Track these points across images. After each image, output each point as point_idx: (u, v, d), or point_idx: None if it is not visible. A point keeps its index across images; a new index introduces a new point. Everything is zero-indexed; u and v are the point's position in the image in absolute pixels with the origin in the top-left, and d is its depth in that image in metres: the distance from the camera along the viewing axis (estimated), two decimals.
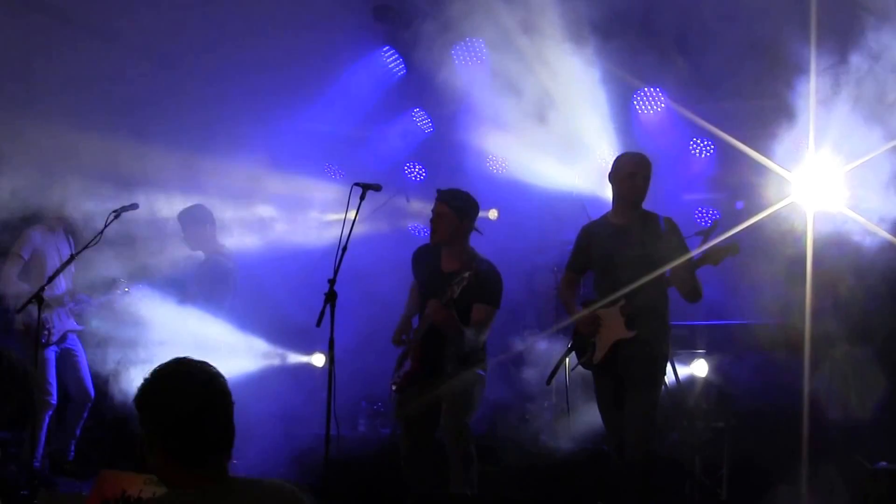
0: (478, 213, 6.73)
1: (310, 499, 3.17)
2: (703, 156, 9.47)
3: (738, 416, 8.06)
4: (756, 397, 8.16)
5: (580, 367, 6.56)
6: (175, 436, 3.01)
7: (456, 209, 6.55)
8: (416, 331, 6.66)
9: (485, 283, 6.43)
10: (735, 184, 9.23)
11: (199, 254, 8.08)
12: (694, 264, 6.06)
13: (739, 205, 9.13)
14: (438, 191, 6.66)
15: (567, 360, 6.65)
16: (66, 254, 8.28)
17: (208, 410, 3.02)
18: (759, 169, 9.04)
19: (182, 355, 3.13)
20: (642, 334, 6.15)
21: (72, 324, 8.25)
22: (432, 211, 6.63)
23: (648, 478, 6.05)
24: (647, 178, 6.31)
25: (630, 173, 6.28)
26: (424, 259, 6.81)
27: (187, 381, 3.04)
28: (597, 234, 6.51)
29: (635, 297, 6.15)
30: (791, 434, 7.92)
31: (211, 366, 3.10)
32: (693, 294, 6.15)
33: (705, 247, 6.29)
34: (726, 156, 9.18)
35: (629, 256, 6.23)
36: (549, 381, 6.63)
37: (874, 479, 6.04)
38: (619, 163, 6.40)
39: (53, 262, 8.13)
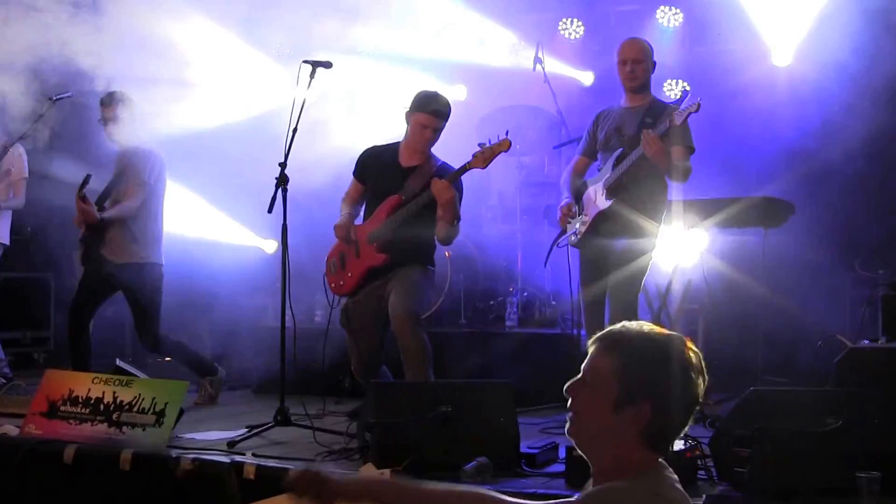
0: None
1: None
2: (671, 25, 9.09)
3: (713, 297, 7.86)
4: (731, 277, 7.93)
5: None
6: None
7: (444, 117, 6.35)
8: (368, 226, 6.43)
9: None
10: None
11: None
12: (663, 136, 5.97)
13: None
14: (431, 108, 6.29)
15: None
16: None
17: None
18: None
19: None
20: (621, 205, 6.07)
21: None
22: (423, 125, 6.30)
23: None
24: (641, 64, 6.27)
25: (622, 60, 6.29)
26: (377, 159, 6.58)
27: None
28: (605, 117, 6.49)
29: (620, 171, 6.11)
30: (766, 316, 7.77)
31: None
32: (672, 171, 6.06)
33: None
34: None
35: (626, 136, 6.21)
36: (545, 264, 6.66)
37: (855, 357, 5.80)
38: (618, 50, 6.37)
39: None
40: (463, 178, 6.31)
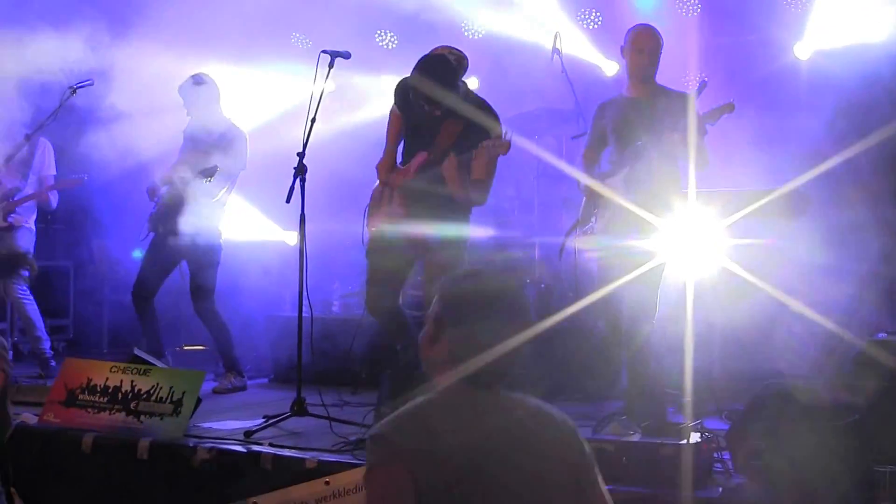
0: None
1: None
2: (689, 15, 9.05)
3: (730, 290, 7.79)
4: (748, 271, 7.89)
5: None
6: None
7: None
8: (401, 175, 6.25)
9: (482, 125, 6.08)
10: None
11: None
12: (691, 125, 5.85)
13: None
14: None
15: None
16: None
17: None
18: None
19: None
20: (641, 199, 5.96)
21: None
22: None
23: (648, 355, 5.93)
24: (654, 53, 6.18)
25: (637, 49, 6.16)
26: (410, 99, 6.25)
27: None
28: (611, 107, 6.38)
29: (639, 164, 6.02)
30: (784, 309, 7.73)
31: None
32: (693, 159, 5.92)
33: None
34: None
35: (639, 127, 6.10)
36: (559, 255, 6.56)
37: (872, 350, 5.75)
38: (629, 37, 6.23)
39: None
40: None
